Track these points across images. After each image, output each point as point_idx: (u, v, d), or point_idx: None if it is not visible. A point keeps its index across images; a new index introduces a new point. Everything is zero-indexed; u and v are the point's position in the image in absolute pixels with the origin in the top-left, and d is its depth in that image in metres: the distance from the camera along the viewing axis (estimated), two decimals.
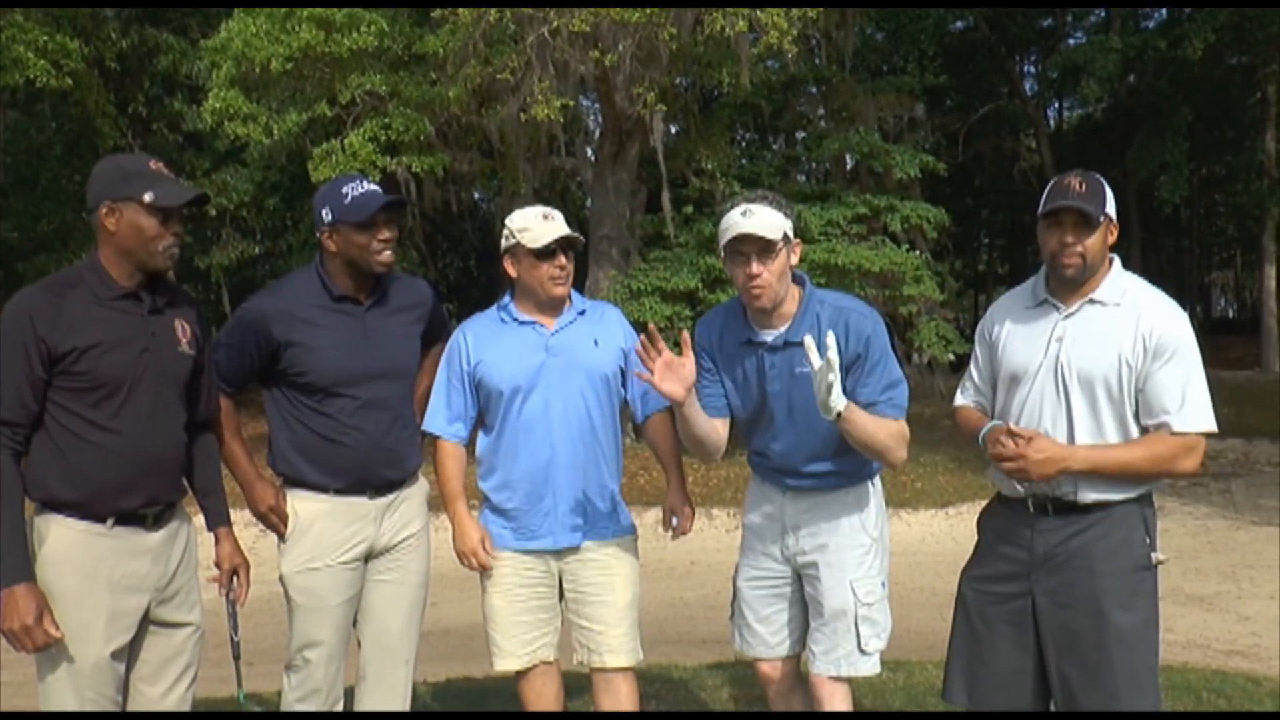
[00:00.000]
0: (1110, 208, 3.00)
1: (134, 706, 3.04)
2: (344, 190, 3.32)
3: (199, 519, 3.25)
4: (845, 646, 3.28)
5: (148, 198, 2.88)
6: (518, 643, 3.48)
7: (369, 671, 3.47)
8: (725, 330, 3.37)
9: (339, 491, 3.36)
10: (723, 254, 3.21)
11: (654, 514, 3.58)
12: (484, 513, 3.53)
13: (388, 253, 3.35)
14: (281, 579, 3.39)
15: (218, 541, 3.26)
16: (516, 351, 3.43)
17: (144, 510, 2.96)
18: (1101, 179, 3.02)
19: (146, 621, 3.00)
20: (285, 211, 20.69)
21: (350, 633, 3.46)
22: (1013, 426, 3.01)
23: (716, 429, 3.33)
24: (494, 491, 3.48)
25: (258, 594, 3.46)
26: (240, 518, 3.38)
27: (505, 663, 3.50)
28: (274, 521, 3.38)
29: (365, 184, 3.36)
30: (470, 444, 3.55)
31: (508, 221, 3.48)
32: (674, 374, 3.03)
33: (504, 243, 3.48)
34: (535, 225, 3.40)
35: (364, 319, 3.38)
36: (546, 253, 3.39)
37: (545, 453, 3.41)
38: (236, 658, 3.33)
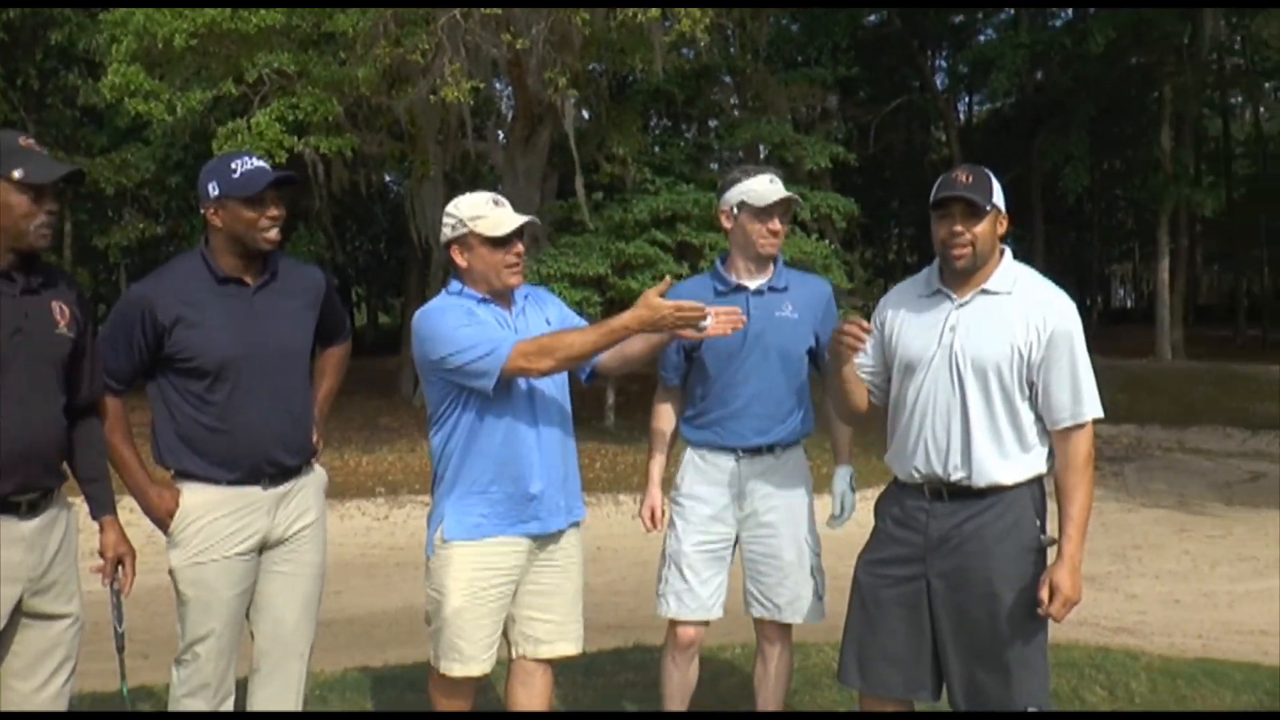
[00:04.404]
0: (998, 199, 3.06)
1: (6, 703, 2.93)
2: (233, 165, 3.24)
3: (83, 507, 3.16)
4: (806, 594, 3.71)
5: (17, 174, 2.78)
6: (482, 646, 3.33)
7: (263, 664, 3.40)
8: (708, 285, 3.80)
9: (230, 483, 3.27)
10: (740, 211, 3.69)
11: None
12: (455, 506, 3.33)
13: (275, 231, 3.26)
14: (171, 572, 3.29)
15: (102, 530, 3.16)
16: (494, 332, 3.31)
17: (16, 497, 2.85)
18: (989, 173, 3.09)
19: (19, 613, 2.90)
20: (188, 191, 20.15)
21: (243, 626, 3.39)
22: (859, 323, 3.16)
23: None
24: (477, 479, 3.31)
25: (157, 582, 3.37)
26: (135, 505, 3.29)
27: (467, 668, 3.32)
28: (165, 522, 3.28)
29: (254, 160, 3.28)
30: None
31: (452, 209, 3.35)
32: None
33: (450, 231, 3.35)
34: (489, 211, 3.30)
35: (251, 300, 3.29)
36: (503, 240, 3.29)
37: (530, 433, 3.31)
38: (120, 650, 3.24)
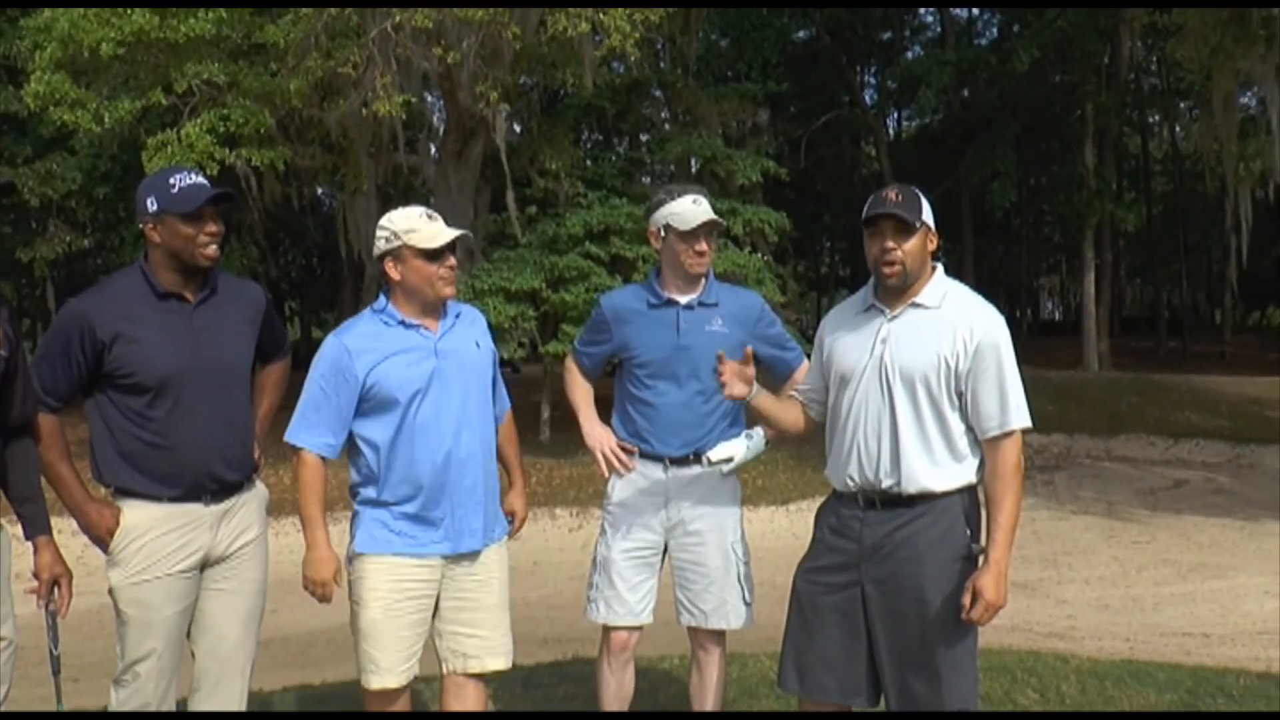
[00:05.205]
0: (927, 216, 3.15)
1: None
2: (171, 180, 3.22)
3: (15, 528, 3.10)
4: (733, 601, 3.78)
5: None
6: (398, 659, 3.36)
7: (203, 683, 3.37)
8: (641, 296, 3.88)
9: (172, 499, 3.24)
10: (667, 233, 3.75)
11: None
12: (366, 520, 3.41)
13: (213, 246, 3.25)
14: (111, 591, 3.25)
15: (36, 551, 3.10)
16: (410, 356, 3.36)
17: None
18: (918, 191, 3.18)
19: None
20: (117, 203, 19.76)
21: (183, 645, 3.35)
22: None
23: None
24: (384, 498, 3.37)
25: (87, 605, 3.31)
26: (68, 526, 3.23)
27: (384, 680, 3.36)
28: (105, 541, 3.24)
29: (193, 175, 3.26)
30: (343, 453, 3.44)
31: (386, 223, 3.40)
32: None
33: (384, 244, 3.38)
34: (423, 225, 3.34)
35: (191, 316, 3.28)
36: (437, 253, 3.34)
37: (441, 457, 3.34)
38: (56, 673, 3.18)
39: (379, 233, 3.41)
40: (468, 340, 3.48)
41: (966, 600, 3.01)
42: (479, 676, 3.51)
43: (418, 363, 3.35)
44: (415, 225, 3.34)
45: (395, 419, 3.33)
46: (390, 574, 3.34)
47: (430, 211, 3.43)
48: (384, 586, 3.34)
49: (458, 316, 3.51)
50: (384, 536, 3.36)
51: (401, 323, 3.38)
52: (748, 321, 3.83)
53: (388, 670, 3.35)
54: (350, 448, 3.41)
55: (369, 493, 3.39)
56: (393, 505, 3.36)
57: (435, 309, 3.43)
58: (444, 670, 3.51)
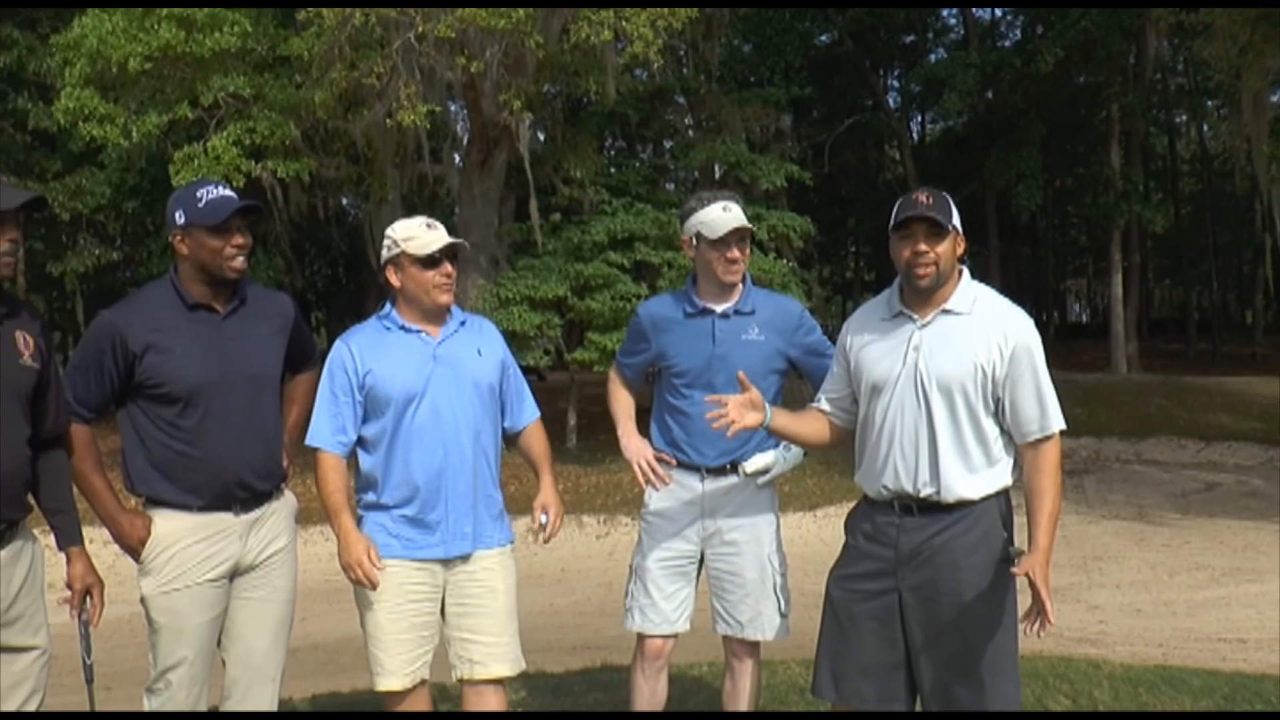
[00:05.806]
0: (956, 220, 3.13)
1: None
2: (198, 194, 3.26)
3: (48, 538, 3.12)
4: (768, 612, 3.76)
5: None
6: (402, 661, 3.42)
7: (234, 691, 3.39)
8: (678, 305, 3.85)
9: (202, 509, 3.26)
10: (698, 241, 3.73)
11: (524, 522, 3.64)
12: (366, 525, 3.47)
13: (240, 258, 3.29)
14: (143, 600, 3.27)
15: (69, 561, 3.13)
16: (407, 359, 3.44)
17: None
18: (947, 195, 3.16)
19: None
20: (145, 216, 19.96)
21: (214, 653, 3.37)
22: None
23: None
24: (383, 501, 3.44)
25: (118, 614, 3.33)
26: (99, 536, 3.26)
27: (388, 682, 3.42)
28: (137, 550, 3.27)
29: (220, 188, 3.30)
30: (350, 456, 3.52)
31: (389, 232, 3.50)
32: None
33: (386, 253, 3.50)
34: (420, 233, 3.44)
35: (220, 327, 3.31)
36: (433, 260, 3.42)
37: (437, 460, 3.41)
38: (89, 681, 3.21)
39: (384, 241, 3.52)
40: (469, 347, 3.54)
41: (1017, 570, 2.94)
42: (493, 682, 3.52)
43: (416, 367, 3.43)
44: (413, 233, 3.45)
45: (393, 421, 3.41)
46: (391, 578, 3.39)
47: (432, 221, 3.52)
48: (386, 590, 3.38)
49: (462, 324, 3.58)
50: (384, 540, 3.41)
51: (402, 328, 3.48)
52: (786, 329, 3.80)
53: (392, 672, 3.41)
54: (354, 451, 3.48)
55: (370, 496, 3.47)
56: (392, 509, 3.43)
57: (436, 315, 3.51)
58: (454, 677, 3.55)
